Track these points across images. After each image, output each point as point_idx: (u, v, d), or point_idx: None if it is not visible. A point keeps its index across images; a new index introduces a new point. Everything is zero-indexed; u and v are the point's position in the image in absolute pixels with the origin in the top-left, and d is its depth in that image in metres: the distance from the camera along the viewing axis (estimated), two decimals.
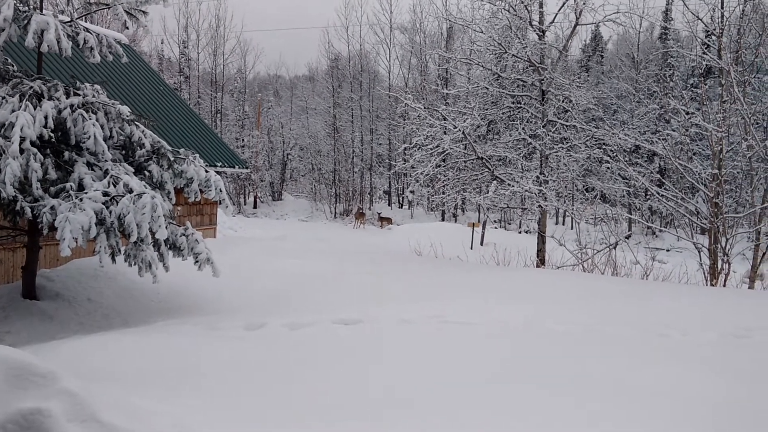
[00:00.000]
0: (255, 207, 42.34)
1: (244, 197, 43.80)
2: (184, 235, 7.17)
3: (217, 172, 7.85)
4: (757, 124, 11.45)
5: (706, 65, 11.64)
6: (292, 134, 47.14)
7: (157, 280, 6.86)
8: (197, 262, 7.17)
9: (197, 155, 7.78)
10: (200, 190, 7.53)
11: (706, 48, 11.85)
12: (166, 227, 6.34)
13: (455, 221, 36.19)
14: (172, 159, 7.35)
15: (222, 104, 44.54)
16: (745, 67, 11.40)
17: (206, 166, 7.72)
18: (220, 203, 7.81)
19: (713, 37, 11.58)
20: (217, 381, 4.14)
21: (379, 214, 35.24)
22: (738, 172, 12.14)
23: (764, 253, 11.47)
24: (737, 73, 10.90)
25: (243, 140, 43.95)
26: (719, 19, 11.24)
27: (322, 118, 45.43)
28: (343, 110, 44.03)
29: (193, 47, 44.27)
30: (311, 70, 53.68)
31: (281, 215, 39.46)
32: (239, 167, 16.91)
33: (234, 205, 40.71)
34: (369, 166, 43.99)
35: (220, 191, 7.51)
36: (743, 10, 11.23)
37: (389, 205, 43.83)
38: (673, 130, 14.25)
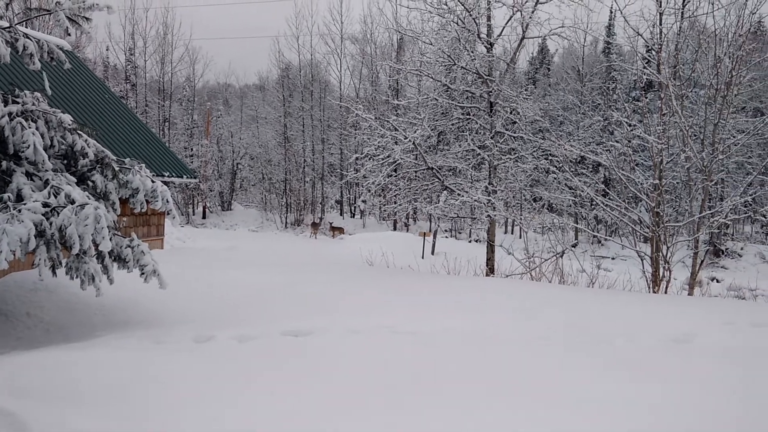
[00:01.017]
0: (204, 217, 41.65)
1: (193, 207, 43.05)
2: (129, 246, 6.98)
3: (165, 182, 7.70)
4: (695, 136, 11.89)
5: (647, 79, 12.05)
6: (242, 143, 46.64)
7: (101, 293, 6.66)
8: (143, 274, 6.99)
9: (143, 165, 7.61)
10: (146, 200, 7.36)
11: (646, 63, 12.26)
12: (110, 239, 6.17)
13: (407, 231, 36.37)
14: (117, 169, 7.17)
15: (170, 113, 43.74)
16: (683, 81, 11.82)
17: (153, 176, 7.56)
18: (168, 214, 7.65)
19: (653, 53, 12.00)
20: (156, 398, 4.03)
21: (330, 224, 35.13)
22: (678, 183, 12.56)
23: (702, 261, 11.90)
24: (675, 87, 11.32)
25: (192, 149, 43.24)
26: (658, 36, 11.67)
27: (273, 127, 45.12)
28: (294, 120, 43.83)
29: (140, 55, 43.39)
30: (262, 79, 53.35)
31: (231, 225, 38.93)
32: (187, 177, 16.61)
33: (182, 215, 40.00)
34: (320, 175, 43.86)
35: (167, 202, 7.36)
36: (680, 27, 11.66)
37: (341, 214, 43.75)
38: (617, 142, 14.67)
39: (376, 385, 4.38)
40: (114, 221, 6.65)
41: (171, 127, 43.85)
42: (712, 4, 11.35)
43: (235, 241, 23.79)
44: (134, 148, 14.81)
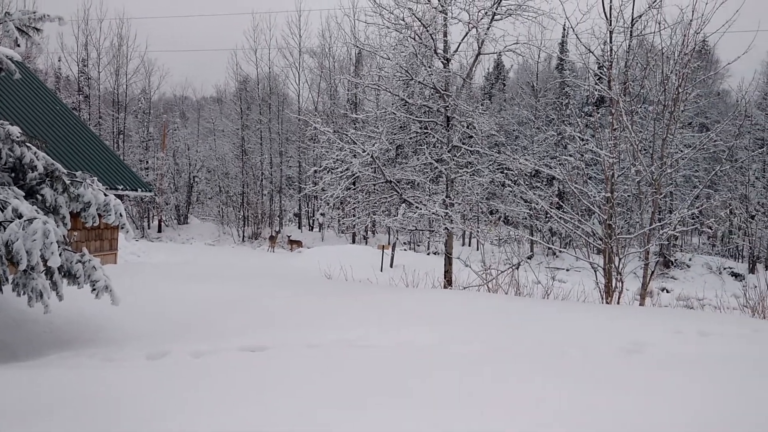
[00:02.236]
0: (160, 231, 40.91)
1: (148, 221, 42.24)
2: (80, 261, 6.82)
3: (119, 196, 7.55)
4: (645, 150, 12.24)
5: (598, 95, 12.37)
6: (199, 156, 46.07)
7: (49, 310, 6.48)
8: (95, 290, 6.83)
9: (96, 178, 7.45)
10: (99, 214, 7.21)
11: (597, 79, 12.60)
12: (59, 254, 6.02)
13: (366, 243, 36.38)
14: (67, 182, 7.01)
15: (125, 125, 42.95)
16: (633, 97, 12.17)
17: (106, 189, 7.41)
18: (121, 228, 7.51)
19: (604, 69, 12.35)
20: (104, 420, 3.94)
21: (288, 237, 34.94)
22: (629, 196, 12.90)
23: (653, 272, 12.23)
24: (625, 103, 11.65)
25: (147, 162, 42.52)
26: (608, 53, 12.02)
27: (230, 140, 44.74)
28: (251, 132, 43.55)
29: (93, 66, 42.58)
30: (219, 91, 52.98)
31: (187, 239, 38.34)
32: (142, 190, 16.32)
33: (137, 229, 39.21)
34: (278, 188, 43.61)
35: (120, 216, 7.22)
36: (629, 45, 12.03)
37: (299, 227, 43.51)
38: (570, 156, 15.01)
39: (328, 402, 4.37)
40: (64, 236, 6.49)
41: (126, 140, 43.05)
42: (659, 24, 11.75)
43: (192, 254, 23.46)
44: (86, 161, 14.49)
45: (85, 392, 4.47)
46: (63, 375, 5.06)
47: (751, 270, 30.78)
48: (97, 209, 7.11)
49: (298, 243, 31.73)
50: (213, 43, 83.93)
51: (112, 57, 42.47)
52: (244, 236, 39.48)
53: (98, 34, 42.64)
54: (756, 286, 11.77)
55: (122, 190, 14.95)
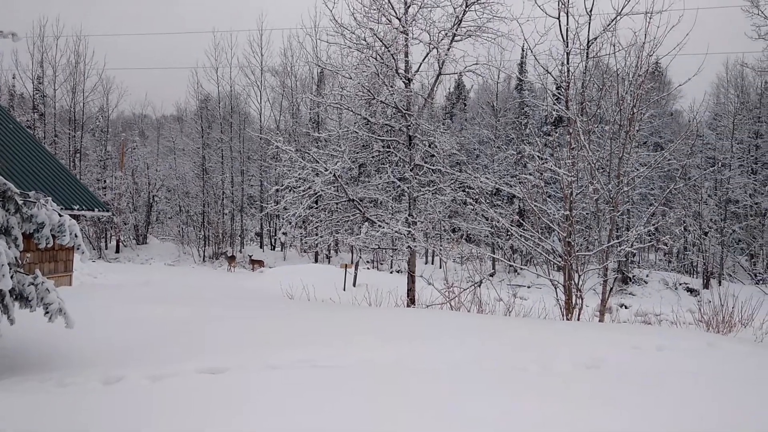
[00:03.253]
0: (117, 251, 40.04)
1: (106, 241, 41.32)
2: (33, 284, 6.61)
3: (75, 216, 7.38)
4: (602, 169, 12.51)
5: (557, 115, 12.62)
6: (159, 175, 45.36)
7: (0, 334, 6.26)
8: (48, 313, 6.62)
9: (50, 198, 7.27)
10: (53, 235, 7.01)
11: (555, 99, 12.86)
12: (11, 276, 5.84)
13: (329, 262, 36.23)
14: (20, 202, 6.81)
15: (82, 144, 42.07)
16: (590, 117, 12.45)
17: (61, 209, 7.23)
18: (77, 249, 7.31)
19: (561, 90, 12.63)
20: None
21: (250, 256, 34.57)
22: (587, 213, 13.15)
23: (611, 288, 12.45)
24: (583, 122, 11.91)
25: (105, 181, 41.68)
26: (566, 74, 12.30)
27: (191, 158, 44.22)
28: (212, 151, 43.15)
29: (49, 83, 41.66)
30: (180, 110, 52.43)
31: (146, 260, 37.60)
32: (99, 210, 15.98)
33: (94, 250, 38.27)
34: (240, 207, 43.19)
35: (76, 236, 7.04)
36: (586, 66, 12.34)
37: (261, 247, 43.09)
38: (530, 174, 15.23)
39: (290, 423, 4.32)
40: (16, 258, 6.30)
41: (83, 159, 42.15)
42: (614, 46, 12.10)
43: (150, 275, 23.00)
44: (41, 181, 14.15)
45: (36, 420, 4.32)
46: (14, 401, 4.89)
47: (705, 285, 31.60)
48: (51, 230, 6.91)
49: (260, 263, 31.40)
50: (173, 61, 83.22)
51: (69, 74, 41.66)
52: (204, 256, 38.91)
53: (54, 51, 41.70)
54: (710, 301, 12.09)
55: (78, 210, 14.61)
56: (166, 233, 46.57)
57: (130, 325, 8.85)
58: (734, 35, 50.69)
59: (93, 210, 15.56)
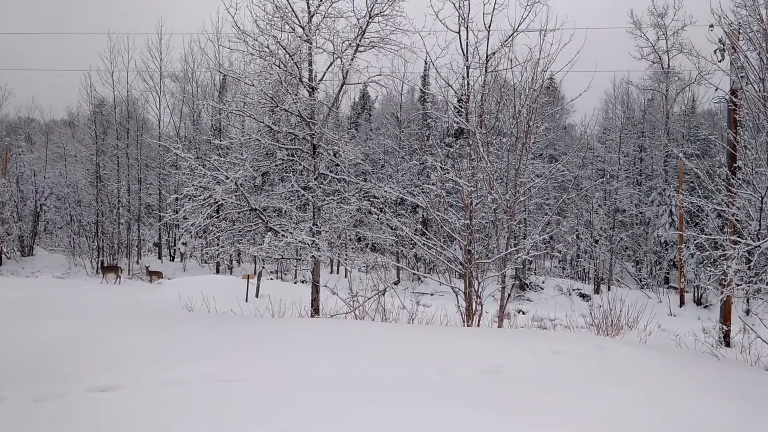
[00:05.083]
0: (0, 264, 37.31)
1: None
2: None
3: None
4: (500, 179, 12.95)
5: (458, 127, 12.97)
6: (47, 183, 42.68)
7: None
8: None
9: None
10: None
11: (456, 111, 13.22)
12: None
13: (231, 273, 35.35)
14: None
15: None
16: (489, 129, 12.87)
17: None
18: None
19: (462, 102, 12.99)
20: None
21: (147, 267, 33.20)
22: (486, 222, 13.55)
23: (510, 294, 12.89)
24: (482, 134, 12.30)
25: None
26: (466, 87, 12.67)
27: (84, 166, 41.97)
28: (107, 158, 41.19)
29: None
30: (71, 114, 49.72)
31: (33, 272, 35.27)
32: None
33: None
34: (137, 217, 41.40)
35: None
36: (485, 80, 12.75)
37: (160, 258, 41.45)
38: (432, 184, 15.54)
39: None
40: None
41: None
42: (511, 61, 12.60)
43: (37, 289, 21.55)
44: None
45: None
46: None
47: (596, 290, 33.35)
48: None
49: (158, 274, 30.20)
50: (65, 63, 78.89)
51: None
52: (98, 268, 36.96)
53: None
54: (600, 306, 12.78)
55: None
56: (56, 244, 43.89)
57: (13, 343, 8.23)
58: (621, 55, 54.22)
59: None
